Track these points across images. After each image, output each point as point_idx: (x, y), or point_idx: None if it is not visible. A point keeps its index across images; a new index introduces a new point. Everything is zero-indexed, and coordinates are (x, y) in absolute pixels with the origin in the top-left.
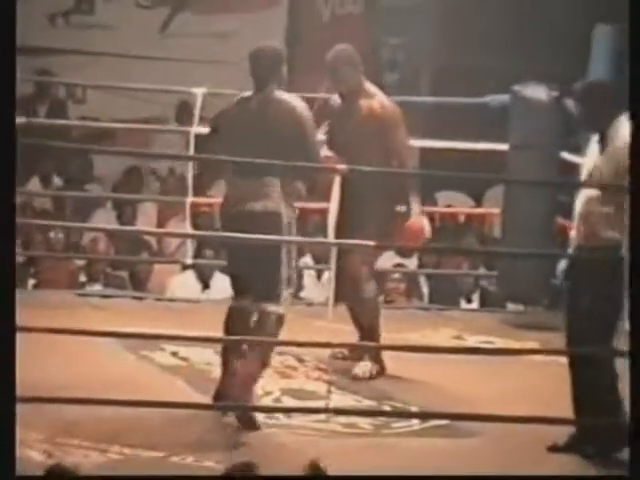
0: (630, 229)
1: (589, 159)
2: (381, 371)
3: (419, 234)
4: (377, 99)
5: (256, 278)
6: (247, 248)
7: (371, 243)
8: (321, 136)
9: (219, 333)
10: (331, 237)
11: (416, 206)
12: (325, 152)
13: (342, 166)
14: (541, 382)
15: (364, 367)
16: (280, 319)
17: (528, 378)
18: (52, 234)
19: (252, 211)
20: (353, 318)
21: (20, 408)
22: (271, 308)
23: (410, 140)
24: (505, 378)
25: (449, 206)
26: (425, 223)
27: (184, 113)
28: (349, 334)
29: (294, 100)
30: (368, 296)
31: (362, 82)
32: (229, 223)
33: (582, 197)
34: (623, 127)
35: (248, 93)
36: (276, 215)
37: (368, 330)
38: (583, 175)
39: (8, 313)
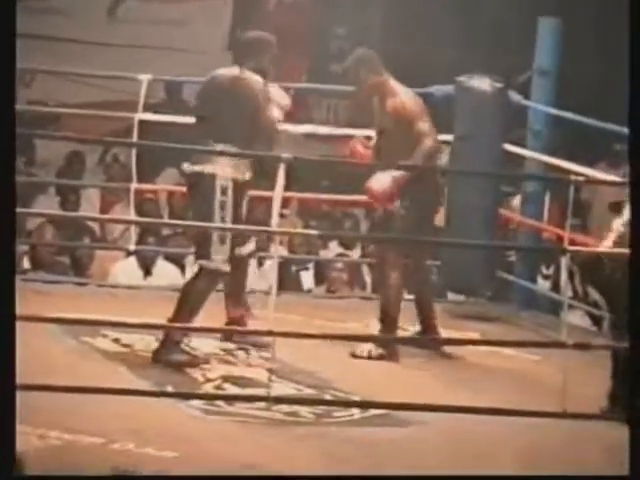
0: (631, 230)
1: None
2: (387, 356)
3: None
4: (398, 97)
5: (195, 237)
6: (191, 209)
7: (315, 232)
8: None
9: (161, 320)
10: (274, 225)
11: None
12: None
13: (287, 155)
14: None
15: (363, 347)
16: (211, 274)
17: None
18: None
19: (193, 171)
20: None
21: None
22: (202, 263)
23: (431, 131)
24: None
25: None
26: (381, 180)
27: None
28: (290, 323)
29: (253, 79)
30: (391, 283)
31: (382, 82)
32: (185, 180)
33: None
34: None
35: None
36: (210, 177)
37: (388, 318)
38: None
39: (7, 301)
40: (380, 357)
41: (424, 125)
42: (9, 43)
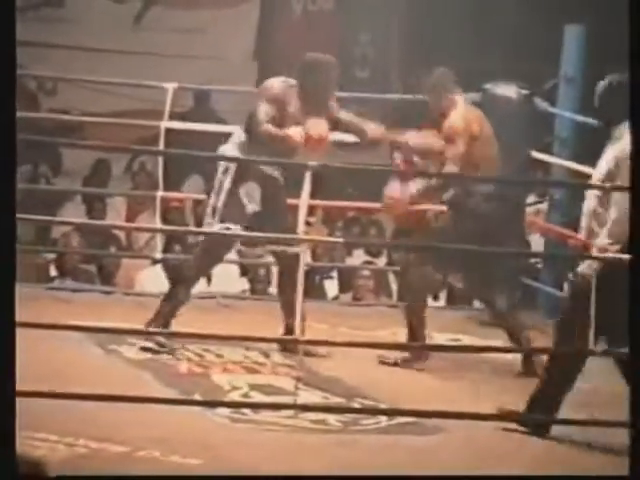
0: (631, 229)
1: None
2: (414, 358)
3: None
4: (450, 117)
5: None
6: None
7: (340, 240)
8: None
9: (186, 328)
10: (301, 233)
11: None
12: None
13: (313, 163)
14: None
15: (391, 353)
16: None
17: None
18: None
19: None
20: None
21: None
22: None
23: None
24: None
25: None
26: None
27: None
28: (317, 331)
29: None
30: (412, 291)
31: (450, 101)
32: None
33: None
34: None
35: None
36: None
37: (411, 325)
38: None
39: (7, 308)
40: (405, 361)
41: (457, 149)
42: (9, 49)
